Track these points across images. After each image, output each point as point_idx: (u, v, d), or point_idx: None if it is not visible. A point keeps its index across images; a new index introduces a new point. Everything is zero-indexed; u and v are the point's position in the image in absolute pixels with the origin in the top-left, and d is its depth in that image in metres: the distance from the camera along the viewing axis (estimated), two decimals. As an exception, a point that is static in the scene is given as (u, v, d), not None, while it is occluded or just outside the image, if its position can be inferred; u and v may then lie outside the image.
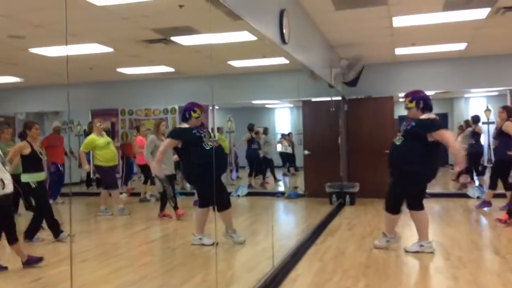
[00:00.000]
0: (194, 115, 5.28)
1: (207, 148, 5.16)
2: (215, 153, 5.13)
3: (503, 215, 6.26)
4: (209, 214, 5.41)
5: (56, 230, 5.72)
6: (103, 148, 7.64)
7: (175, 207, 7.11)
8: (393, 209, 5.02)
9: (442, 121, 4.99)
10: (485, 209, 7.47)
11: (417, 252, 4.90)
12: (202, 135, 5.24)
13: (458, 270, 4.31)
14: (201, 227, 5.42)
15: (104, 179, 7.94)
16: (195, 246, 5.38)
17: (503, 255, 4.81)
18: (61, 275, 4.31)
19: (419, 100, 4.85)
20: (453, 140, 4.85)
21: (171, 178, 7.11)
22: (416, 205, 4.97)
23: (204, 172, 5.02)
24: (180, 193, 8.87)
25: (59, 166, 8.67)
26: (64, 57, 6.99)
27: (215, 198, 5.10)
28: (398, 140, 4.91)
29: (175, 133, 5.47)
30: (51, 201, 8.22)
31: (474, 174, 9.89)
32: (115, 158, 7.91)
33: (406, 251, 4.96)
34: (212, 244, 5.25)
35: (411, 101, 4.88)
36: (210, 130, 5.54)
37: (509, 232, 5.92)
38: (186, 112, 5.32)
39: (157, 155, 5.59)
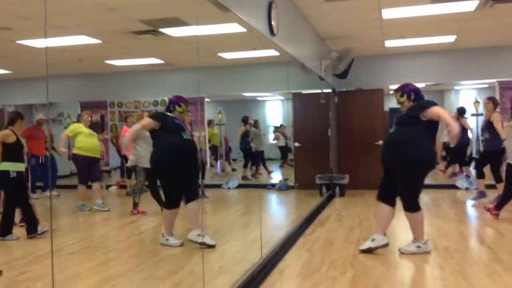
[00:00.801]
0: (178, 109, 5.19)
1: (184, 137, 5.01)
2: (188, 147, 5.03)
3: (491, 204, 6.30)
4: (177, 215, 5.15)
5: (32, 226, 5.45)
6: (86, 136, 7.44)
7: (135, 204, 6.89)
8: (414, 206, 4.59)
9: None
10: (482, 199, 7.34)
11: (413, 253, 4.57)
12: (183, 126, 5.14)
13: (444, 260, 4.35)
14: (169, 228, 5.15)
15: (80, 171, 7.57)
16: (184, 238, 5.36)
17: (489, 246, 4.86)
18: (47, 268, 4.29)
19: (410, 92, 4.80)
20: (446, 115, 4.52)
21: (147, 172, 6.74)
22: (412, 205, 4.60)
23: (175, 160, 4.84)
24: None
25: (40, 159, 8.53)
26: (52, 48, 6.92)
27: (184, 190, 5.00)
28: (392, 129, 4.77)
29: (157, 115, 5.26)
30: (36, 195, 8.24)
31: (462, 165, 9.98)
32: (97, 151, 7.63)
33: (401, 253, 4.62)
34: (180, 245, 5.03)
35: (402, 96, 4.78)
36: (190, 131, 5.37)
37: (495, 222, 5.98)
38: (171, 105, 5.25)
39: (131, 131, 5.35)
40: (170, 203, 5.07)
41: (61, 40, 6.84)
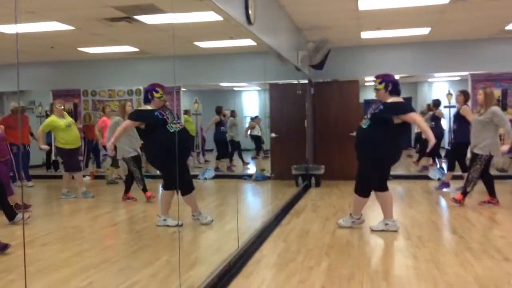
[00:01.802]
0: (156, 95, 5.16)
1: (171, 131, 5.04)
2: (180, 136, 5.06)
3: (458, 195, 6.50)
4: (174, 196, 5.36)
5: (10, 213, 5.41)
6: (64, 130, 7.41)
7: (144, 189, 7.00)
8: (362, 191, 5.12)
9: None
10: (444, 190, 7.74)
11: (382, 230, 5.05)
12: (165, 117, 5.12)
13: (417, 250, 4.44)
14: (166, 209, 5.37)
15: (66, 161, 7.70)
16: (160, 228, 5.34)
17: (460, 235, 4.97)
18: (19, 259, 4.19)
19: (389, 83, 4.93)
20: (423, 123, 5.04)
21: (136, 160, 6.98)
22: (381, 187, 5.07)
23: (168, 156, 4.91)
24: (146, 176, 8.70)
25: (19, 147, 8.33)
26: (23, 34, 6.72)
27: (179, 182, 5.06)
28: (364, 124, 4.99)
29: (135, 115, 5.28)
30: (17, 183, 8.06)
31: (436, 157, 10.18)
32: (78, 140, 7.68)
33: (372, 230, 5.12)
34: (177, 225, 5.22)
35: (380, 83, 4.95)
36: (174, 112, 5.42)
37: (466, 212, 6.13)
38: (148, 93, 5.21)
39: (114, 135, 5.44)
40: (168, 185, 5.29)
41: (32, 26, 6.64)
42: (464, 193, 6.39)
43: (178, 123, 5.24)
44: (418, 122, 4.93)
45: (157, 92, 5.16)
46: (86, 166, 9.95)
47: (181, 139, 5.06)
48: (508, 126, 6.06)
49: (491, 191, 6.39)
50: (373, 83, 5.16)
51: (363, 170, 5.10)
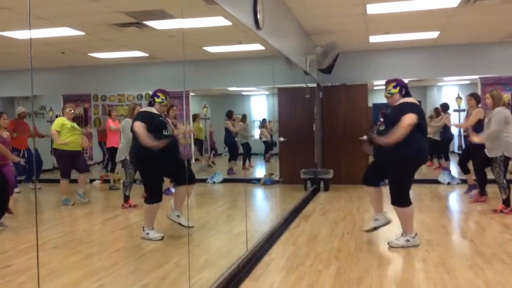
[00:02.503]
0: (157, 100, 5.16)
1: (165, 134, 4.98)
2: (170, 144, 4.97)
3: (499, 206, 6.19)
4: (158, 210, 5.16)
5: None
6: (69, 132, 7.39)
7: (127, 197, 6.84)
8: (403, 200, 4.65)
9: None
10: (473, 192, 7.40)
11: (402, 247, 4.65)
12: (165, 123, 5.14)
13: (427, 253, 4.42)
14: (150, 222, 5.13)
15: (61, 165, 7.52)
16: (169, 232, 5.35)
17: (470, 239, 4.95)
18: (30, 262, 4.25)
19: (403, 87, 4.85)
20: (401, 127, 4.46)
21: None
22: (400, 201, 4.65)
23: (156, 157, 4.84)
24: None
25: (22, 152, 8.36)
26: (34, 40, 6.79)
27: (175, 174, 5.11)
28: (380, 126, 4.88)
29: (142, 117, 5.11)
30: (18, 189, 8.11)
31: (445, 160, 10.15)
32: (77, 144, 7.55)
33: (391, 246, 4.69)
34: (160, 239, 5.00)
35: (395, 87, 4.79)
36: (172, 123, 5.34)
37: (476, 216, 6.10)
38: (151, 99, 5.25)
39: (146, 141, 4.97)
40: (152, 197, 5.06)
41: (43, 32, 6.71)
42: (505, 202, 6.12)
43: (171, 130, 5.23)
44: (401, 123, 4.45)
45: (158, 97, 5.18)
46: (107, 170, 9.77)
47: (171, 146, 5.02)
48: (496, 131, 5.92)
49: (482, 188, 6.57)
50: (382, 87, 5.06)
51: (393, 176, 4.67)
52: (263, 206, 8.26)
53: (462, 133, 8.34)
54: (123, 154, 6.88)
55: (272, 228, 5.44)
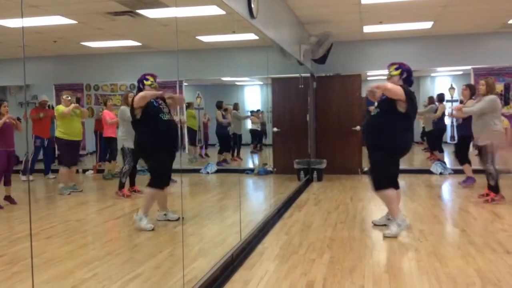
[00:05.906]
0: (147, 83, 5.13)
1: (164, 119, 5.00)
2: (170, 128, 5.05)
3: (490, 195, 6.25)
4: (159, 198, 5.23)
5: None
6: (69, 119, 7.35)
7: (122, 185, 6.82)
8: (383, 184, 4.72)
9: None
10: (470, 184, 7.48)
11: (397, 234, 4.67)
12: (161, 106, 5.08)
13: (419, 243, 4.46)
14: (148, 207, 5.09)
15: (63, 154, 7.55)
16: (162, 222, 5.36)
17: (462, 228, 4.99)
18: (24, 251, 4.24)
19: (404, 71, 4.81)
20: (391, 87, 4.55)
21: (134, 153, 6.68)
22: (377, 185, 4.76)
23: (161, 142, 4.89)
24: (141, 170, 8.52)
25: (43, 140, 8.27)
26: (26, 29, 6.72)
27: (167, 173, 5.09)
28: (373, 111, 4.85)
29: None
30: (25, 177, 8.05)
31: (438, 150, 10.19)
32: (80, 133, 7.60)
33: (385, 236, 4.68)
34: (151, 230, 4.98)
35: (396, 69, 4.78)
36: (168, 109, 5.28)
37: (468, 206, 6.15)
38: (139, 84, 5.20)
39: (153, 93, 5.03)
40: (161, 182, 5.07)
41: (35, 20, 6.64)
42: (492, 189, 6.17)
43: (169, 114, 5.19)
44: (389, 87, 4.55)
45: (147, 80, 5.16)
46: (104, 160, 9.72)
47: (172, 130, 5.07)
48: (481, 108, 5.97)
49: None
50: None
51: (377, 161, 4.77)
52: (257, 196, 8.29)
53: (454, 123, 8.37)
54: (121, 142, 6.87)
55: (265, 217, 5.46)
